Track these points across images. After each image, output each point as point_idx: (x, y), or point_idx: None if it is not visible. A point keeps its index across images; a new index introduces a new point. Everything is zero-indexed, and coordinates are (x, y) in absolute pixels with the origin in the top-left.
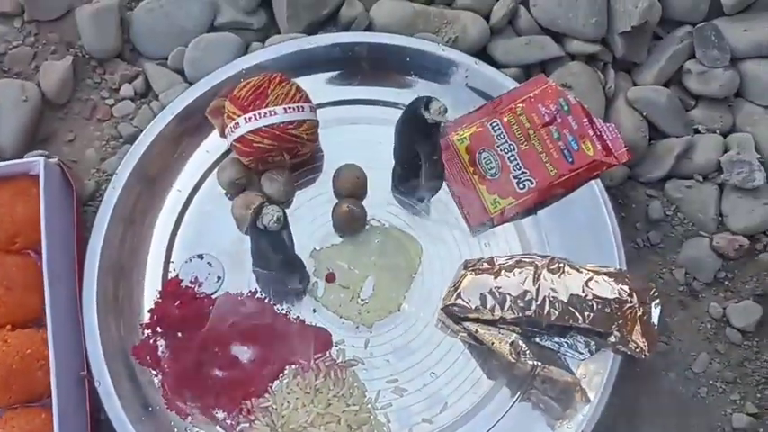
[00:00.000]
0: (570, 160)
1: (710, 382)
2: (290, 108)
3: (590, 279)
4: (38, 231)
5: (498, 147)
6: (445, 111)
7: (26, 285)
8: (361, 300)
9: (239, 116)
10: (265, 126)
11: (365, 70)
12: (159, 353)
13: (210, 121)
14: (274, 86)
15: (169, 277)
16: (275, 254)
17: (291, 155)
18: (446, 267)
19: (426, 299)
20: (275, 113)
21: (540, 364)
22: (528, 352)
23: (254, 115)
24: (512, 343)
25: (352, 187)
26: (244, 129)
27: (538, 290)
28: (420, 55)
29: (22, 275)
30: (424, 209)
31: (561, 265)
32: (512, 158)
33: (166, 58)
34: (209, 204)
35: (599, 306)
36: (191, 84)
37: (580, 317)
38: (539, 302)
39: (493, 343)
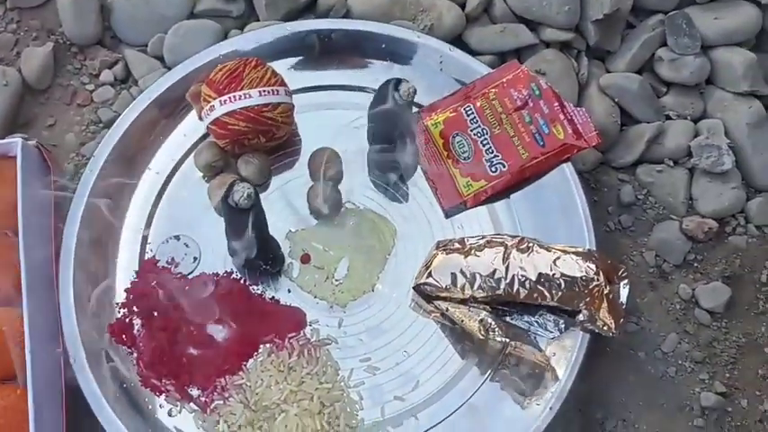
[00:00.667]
0: (541, 144)
1: (679, 361)
2: (264, 91)
3: (558, 258)
4: (15, 212)
5: (471, 131)
6: (414, 92)
7: (2, 265)
8: (336, 280)
9: (215, 99)
10: (240, 108)
11: (342, 56)
12: (135, 331)
13: (191, 104)
14: (249, 70)
15: (146, 258)
16: (247, 232)
17: (267, 138)
18: (420, 249)
19: (400, 280)
20: (250, 96)
21: (509, 341)
22: (497, 329)
23: (230, 98)
24: (481, 320)
25: (327, 169)
26: (219, 111)
27: (507, 269)
28: (396, 42)
29: None
30: (399, 192)
31: (531, 244)
32: (484, 142)
33: (146, 45)
34: (186, 187)
35: (566, 284)
36: (170, 69)
37: (548, 295)
38: (508, 281)
39: (463, 321)
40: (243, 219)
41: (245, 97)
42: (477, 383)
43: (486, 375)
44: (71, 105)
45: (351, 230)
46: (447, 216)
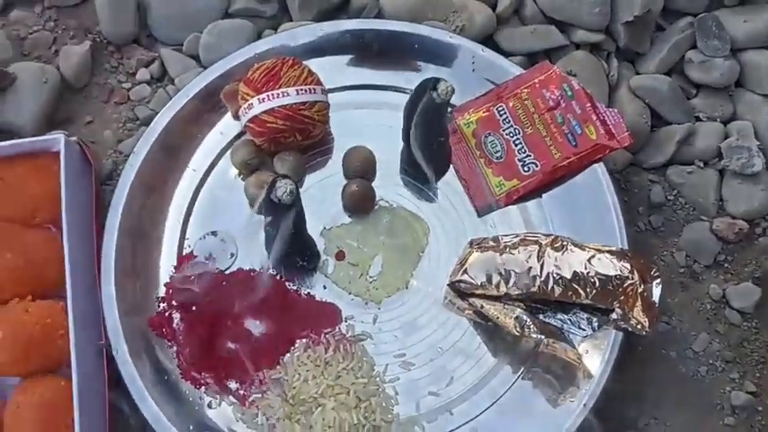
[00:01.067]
0: (574, 144)
1: (710, 361)
2: (302, 90)
3: (592, 257)
4: (57, 207)
5: (504, 131)
6: (452, 91)
7: (46, 258)
8: (370, 277)
9: (253, 97)
10: (278, 106)
11: (375, 56)
12: (174, 325)
13: (225, 104)
14: (287, 69)
15: (184, 254)
16: (287, 228)
17: (303, 136)
18: (453, 246)
19: (433, 277)
20: (288, 94)
21: (543, 338)
22: (532, 326)
23: (268, 96)
24: (516, 317)
25: (361, 167)
26: (257, 109)
27: (542, 267)
28: (428, 42)
29: (42, 249)
30: (432, 191)
31: (565, 243)
32: (517, 142)
33: (182, 44)
34: (223, 184)
35: (601, 283)
36: (205, 68)
37: (582, 293)
38: (542, 279)
39: (498, 318)
40: (284, 215)
41: (283, 95)
42: (511, 380)
43: (520, 373)
44: (108, 103)
45: (384, 228)
46: (479, 215)
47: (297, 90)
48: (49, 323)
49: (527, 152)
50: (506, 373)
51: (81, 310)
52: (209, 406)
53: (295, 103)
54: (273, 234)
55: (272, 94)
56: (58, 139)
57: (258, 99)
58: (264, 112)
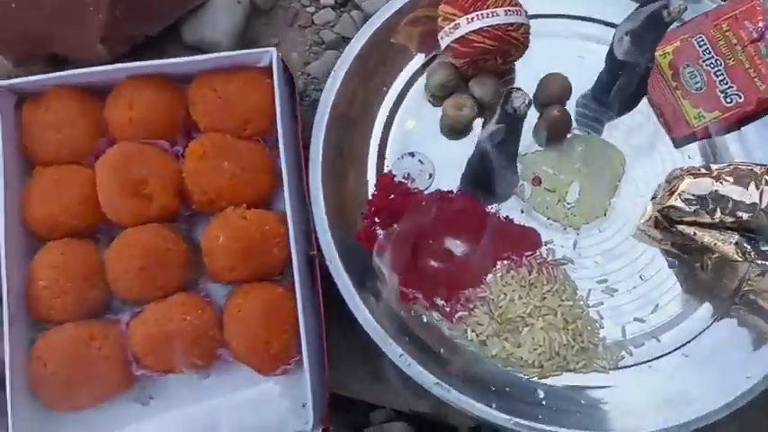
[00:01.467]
0: None
1: None
2: (509, 11)
3: None
4: (266, 119)
5: (704, 62)
6: (685, 9)
7: (258, 168)
8: (568, 203)
9: (460, 17)
10: (487, 26)
11: None
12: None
13: (404, 31)
14: None
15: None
16: (518, 141)
17: (503, 59)
18: (650, 177)
19: (632, 206)
20: (497, 14)
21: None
22: (752, 253)
23: (477, 16)
24: (736, 243)
25: (558, 94)
26: (465, 29)
27: (761, 195)
28: None
29: (254, 159)
30: (626, 121)
31: None
32: (718, 73)
33: None
34: (418, 107)
35: None
36: None
37: None
38: (763, 207)
39: (715, 244)
40: (517, 127)
41: (492, 15)
42: (716, 313)
43: (727, 303)
44: (293, 26)
45: (579, 156)
46: (676, 146)
47: (505, 11)
48: (267, 230)
49: (729, 83)
50: (708, 307)
51: (295, 221)
52: (422, 320)
53: (504, 24)
54: (504, 147)
55: (482, 14)
56: (268, 53)
57: (466, 19)
58: (473, 31)
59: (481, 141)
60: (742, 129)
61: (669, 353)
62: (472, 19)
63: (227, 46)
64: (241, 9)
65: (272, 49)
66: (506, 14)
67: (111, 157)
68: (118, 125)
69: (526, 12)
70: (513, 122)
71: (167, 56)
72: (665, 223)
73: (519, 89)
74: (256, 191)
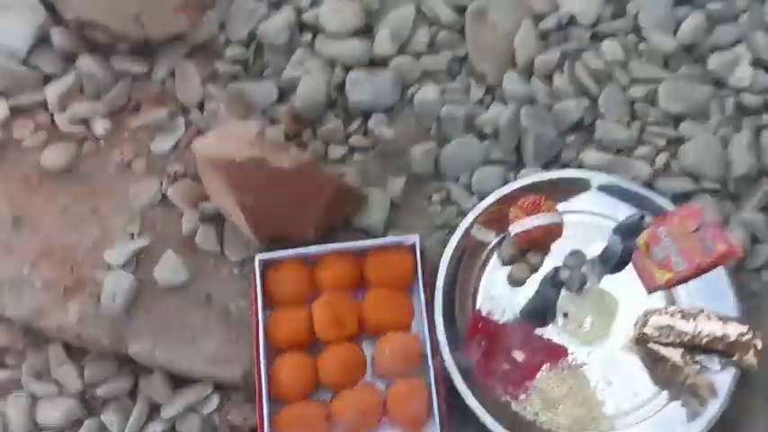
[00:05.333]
0: (708, 253)
1: None
2: (552, 214)
3: (724, 322)
4: (412, 277)
5: (664, 243)
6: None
7: (406, 310)
8: (584, 329)
9: (523, 217)
10: (538, 224)
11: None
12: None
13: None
14: (543, 202)
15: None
16: (553, 299)
17: (549, 241)
18: (635, 311)
19: (624, 330)
20: (545, 218)
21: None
22: (691, 360)
23: (534, 218)
24: (681, 354)
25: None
26: (527, 225)
27: (696, 326)
28: (622, 191)
29: (403, 302)
30: (617, 278)
31: (708, 314)
32: (672, 250)
33: (457, 179)
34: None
35: (725, 339)
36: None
37: (719, 345)
38: (696, 334)
39: (670, 355)
40: (556, 291)
41: (542, 218)
42: (671, 397)
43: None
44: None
45: (589, 301)
46: (648, 292)
47: (551, 215)
48: (413, 347)
49: (678, 256)
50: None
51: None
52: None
53: (548, 223)
54: (543, 303)
55: (537, 217)
56: (414, 238)
57: (528, 219)
58: (534, 227)
59: (543, 292)
60: (688, 282)
61: (642, 421)
62: (531, 219)
63: (378, 229)
64: (388, 202)
65: (416, 236)
66: (551, 217)
67: (322, 301)
68: (324, 281)
69: (561, 213)
70: (557, 284)
71: (341, 236)
72: (642, 341)
73: (565, 266)
74: (404, 322)
